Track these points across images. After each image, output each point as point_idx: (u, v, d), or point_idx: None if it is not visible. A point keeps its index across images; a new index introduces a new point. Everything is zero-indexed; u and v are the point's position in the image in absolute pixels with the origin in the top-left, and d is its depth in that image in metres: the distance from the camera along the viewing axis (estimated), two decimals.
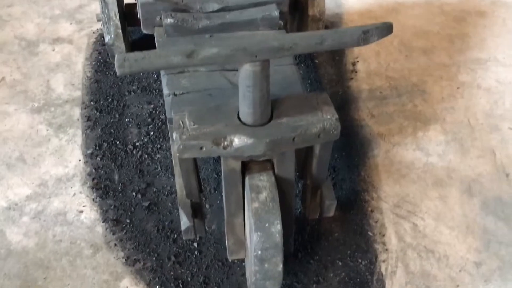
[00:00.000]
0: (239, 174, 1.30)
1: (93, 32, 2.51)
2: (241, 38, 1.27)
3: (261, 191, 1.26)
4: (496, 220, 1.73)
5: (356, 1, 2.84)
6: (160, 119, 2.05)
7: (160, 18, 1.95)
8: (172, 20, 1.86)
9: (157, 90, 2.18)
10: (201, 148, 1.21)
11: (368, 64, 2.40)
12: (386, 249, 1.65)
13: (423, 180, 1.87)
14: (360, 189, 1.83)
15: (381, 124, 2.09)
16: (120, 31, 2.09)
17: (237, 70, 1.55)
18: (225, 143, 1.21)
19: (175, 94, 1.65)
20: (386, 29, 1.19)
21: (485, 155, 1.96)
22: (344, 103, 2.19)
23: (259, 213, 1.24)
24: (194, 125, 1.24)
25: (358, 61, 2.41)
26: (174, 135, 1.24)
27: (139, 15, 1.99)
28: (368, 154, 1.97)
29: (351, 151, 1.98)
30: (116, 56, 1.13)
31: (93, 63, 2.32)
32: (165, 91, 1.67)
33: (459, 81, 2.32)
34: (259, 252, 1.23)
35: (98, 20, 2.25)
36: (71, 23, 2.56)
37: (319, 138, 1.25)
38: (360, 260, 1.62)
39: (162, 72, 1.78)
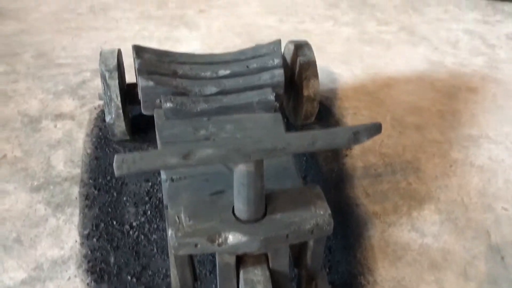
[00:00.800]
0: (234, 268, 1.31)
1: (95, 108, 2.58)
2: (235, 138, 1.31)
3: (255, 286, 1.27)
4: None
5: (349, 76, 2.94)
6: (158, 198, 2.08)
7: (160, 101, 2.02)
8: (171, 105, 1.92)
9: None
10: (196, 245, 1.23)
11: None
12: None
13: (419, 262, 1.87)
14: (356, 272, 1.83)
15: (376, 202, 2.12)
16: (121, 111, 2.16)
17: None
18: (220, 240, 1.23)
19: (172, 180, 1.69)
20: (375, 129, 1.24)
21: (480, 236, 1.97)
22: (339, 181, 2.22)
23: None
24: (189, 221, 1.26)
25: None
26: (170, 231, 1.26)
27: (139, 97, 2.07)
28: (363, 234, 1.98)
29: (347, 231, 1.99)
30: (115, 157, 1.17)
31: (94, 139, 2.38)
32: (163, 176, 1.70)
33: (452, 159, 2.37)
34: None
35: (100, 99, 2.32)
36: (73, 99, 2.63)
37: (313, 234, 1.27)
38: None
39: None
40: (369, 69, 3.03)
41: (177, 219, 1.27)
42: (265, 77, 2.07)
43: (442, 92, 2.85)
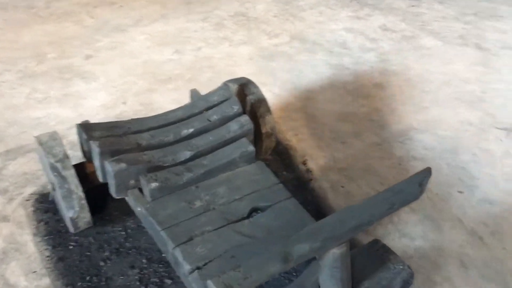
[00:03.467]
0: None
1: (27, 200, 2.23)
2: (322, 226, 1.23)
3: None
4: (496, 286, 1.94)
5: (272, 97, 2.99)
6: (154, 283, 1.90)
7: (135, 181, 1.84)
8: (156, 184, 1.77)
9: (134, 249, 2.02)
10: None
11: (316, 160, 2.53)
12: None
13: (423, 267, 2.01)
14: None
15: None
16: (85, 201, 1.91)
17: (243, 219, 1.56)
18: None
19: (199, 268, 1.56)
20: (428, 172, 1.31)
21: (455, 225, 2.19)
22: (318, 210, 2.26)
23: None
24: None
25: (306, 159, 2.53)
26: None
27: (101, 179, 1.86)
28: None
29: None
30: (212, 285, 1.05)
31: (45, 238, 2.06)
32: (186, 267, 1.57)
33: (397, 157, 2.57)
34: None
35: (51, 199, 2.03)
36: None
37: None
38: None
39: (164, 241, 1.67)
40: (286, 85, 3.11)
41: None
42: (234, 127, 2.01)
43: (356, 94, 3.06)
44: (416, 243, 2.11)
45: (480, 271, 2.00)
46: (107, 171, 1.81)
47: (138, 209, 1.80)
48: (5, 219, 2.14)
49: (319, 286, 1.24)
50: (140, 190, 1.87)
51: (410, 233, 2.15)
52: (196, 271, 1.55)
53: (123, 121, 2.06)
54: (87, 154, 1.96)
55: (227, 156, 1.91)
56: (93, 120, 2.34)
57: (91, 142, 1.86)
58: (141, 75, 3.17)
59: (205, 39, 3.62)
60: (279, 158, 2.52)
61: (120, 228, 2.10)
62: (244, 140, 1.97)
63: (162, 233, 1.67)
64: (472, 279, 1.96)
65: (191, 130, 2.01)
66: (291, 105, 2.94)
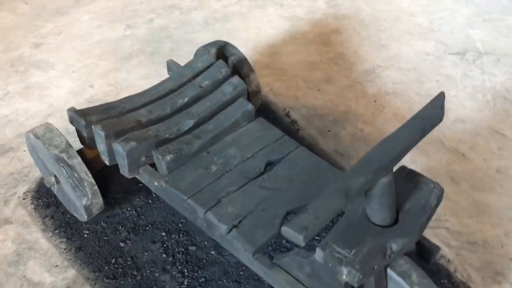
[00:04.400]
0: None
1: (24, 198, 2.17)
2: (370, 159, 1.28)
3: (411, 274, 1.37)
4: (487, 193, 2.16)
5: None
6: (180, 252, 1.94)
7: (145, 157, 1.85)
8: (171, 155, 1.79)
9: (150, 225, 2.04)
10: (373, 268, 1.28)
11: (297, 110, 2.62)
12: None
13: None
14: None
15: (352, 158, 2.35)
16: (96, 187, 1.89)
17: (261, 174, 1.63)
18: (388, 252, 1.29)
19: (235, 226, 1.63)
20: (443, 95, 1.43)
21: (439, 146, 2.38)
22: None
23: None
24: (351, 252, 1.28)
25: (289, 111, 2.61)
26: (344, 269, 1.26)
27: (122, 164, 1.85)
28: None
29: None
30: (288, 230, 1.12)
31: (56, 231, 2.03)
32: (223, 227, 1.63)
33: (371, 95, 2.71)
34: None
35: (50, 186, 1.98)
36: None
37: (436, 205, 1.43)
38: None
39: (192, 209, 1.71)
40: (248, 45, 3.13)
41: (339, 255, 1.28)
42: (228, 90, 2.04)
43: (318, 42, 3.15)
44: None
45: (469, 183, 2.21)
46: (118, 152, 1.80)
47: (155, 184, 1.81)
48: (7, 221, 2.08)
49: (368, 217, 1.35)
50: (151, 165, 1.88)
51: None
52: (234, 229, 1.62)
53: (115, 101, 2.03)
54: (87, 140, 1.92)
55: (229, 117, 1.95)
56: (67, 107, 2.27)
57: (93, 126, 1.83)
58: (100, 56, 3.07)
59: (154, 10, 3.54)
60: (263, 115, 2.58)
61: (129, 208, 2.11)
62: (241, 99, 2.01)
63: (190, 201, 1.71)
64: (464, 191, 2.17)
65: (186, 99, 2.02)
66: (258, 62, 2.98)
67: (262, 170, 1.82)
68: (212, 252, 1.92)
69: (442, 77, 2.84)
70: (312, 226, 1.11)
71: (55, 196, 2.14)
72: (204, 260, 1.90)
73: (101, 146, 1.86)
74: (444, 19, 3.34)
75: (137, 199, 2.14)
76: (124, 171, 1.86)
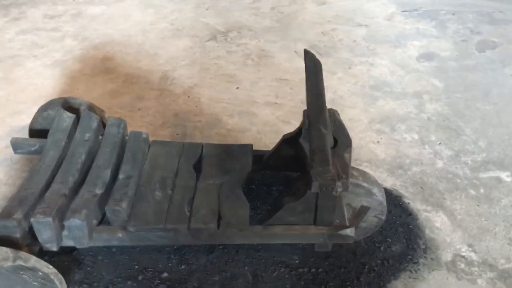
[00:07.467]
0: None
1: None
2: None
3: None
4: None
5: None
6: None
7: (95, 219, 1.89)
8: (125, 202, 1.90)
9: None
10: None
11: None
12: None
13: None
14: None
15: None
16: (60, 275, 1.81)
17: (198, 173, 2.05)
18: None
19: (219, 219, 1.90)
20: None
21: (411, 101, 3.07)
22: None
23: None
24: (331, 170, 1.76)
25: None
26: (338, 185, 1.71)
27: (79, 236, 1.84)
28: None
29: None
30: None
31: None
32: (211, 226, 1.87)
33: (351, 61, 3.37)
34: None
35: None
36: None
37: None
38: None
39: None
40: None
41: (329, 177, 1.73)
42: (114, 131, 2.18)
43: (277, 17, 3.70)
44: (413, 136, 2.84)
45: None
46: (74, 226, 1.78)
47: (120, 235, 1.87)
48: None
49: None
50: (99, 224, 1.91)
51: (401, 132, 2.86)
52: (221, 221, 1.88)
53: (19, 192, 1.90)
54: (20, 239, 1.79)
55: (137, 151, 2.10)
56: None
57: (32, 218, 1.74)
58: None
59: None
60: None
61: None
62: (133, 133, 2.18)
63: (168, 226, 1.85)
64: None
65: (83, 156, 2.05)
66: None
67: (194, 172, 2.08)
68: None
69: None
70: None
71: None
72: None
73: (48, 233, 1.78)
74: None
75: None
76: (83, 243, 1.84)
